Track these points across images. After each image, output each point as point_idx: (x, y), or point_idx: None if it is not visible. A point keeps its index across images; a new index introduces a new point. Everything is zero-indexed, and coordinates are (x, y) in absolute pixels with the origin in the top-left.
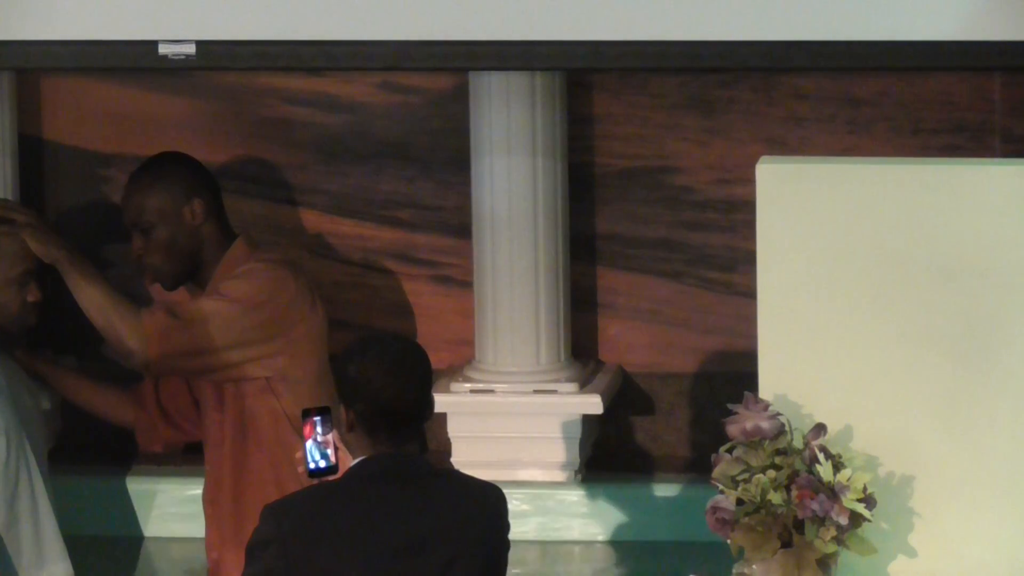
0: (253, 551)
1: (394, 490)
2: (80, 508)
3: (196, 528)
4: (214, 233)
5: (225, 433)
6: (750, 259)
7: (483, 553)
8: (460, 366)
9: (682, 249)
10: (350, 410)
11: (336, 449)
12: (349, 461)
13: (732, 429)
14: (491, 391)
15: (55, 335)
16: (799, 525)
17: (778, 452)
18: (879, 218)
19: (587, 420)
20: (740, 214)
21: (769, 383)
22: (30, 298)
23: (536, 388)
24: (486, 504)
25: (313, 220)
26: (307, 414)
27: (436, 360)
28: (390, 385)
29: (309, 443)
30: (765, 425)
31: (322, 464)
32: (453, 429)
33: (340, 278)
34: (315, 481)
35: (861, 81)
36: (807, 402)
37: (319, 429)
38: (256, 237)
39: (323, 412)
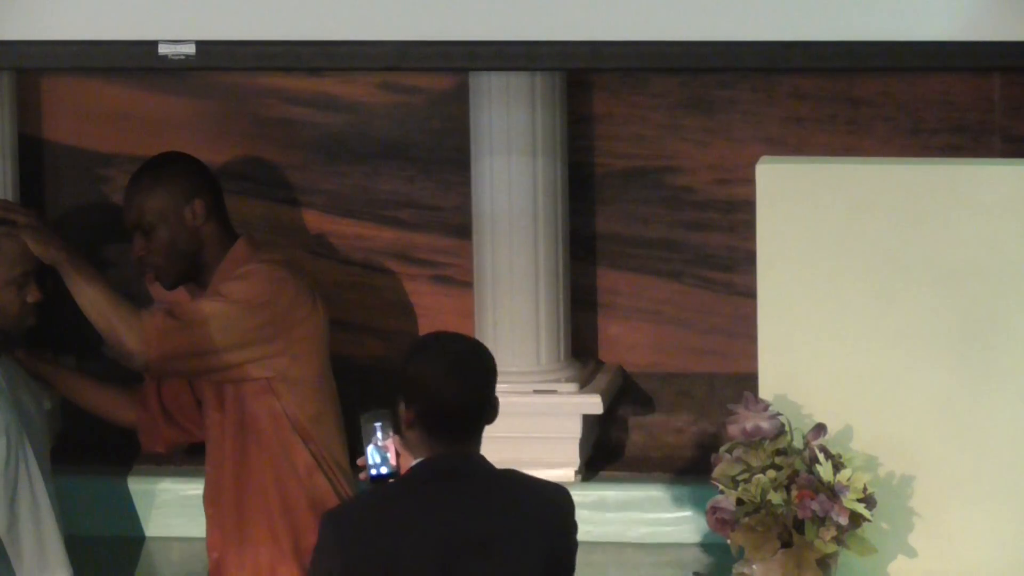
0: (314, 558)
1: (455, 490)
2: (81, 508)
3: (197, 528)
4: (215, 234)
5: (225, 433)
6: (750, 259)
7: (547, 554)
8: None
9: (682, 249)
10: (409, 408)
11: (398, 454)
12: (410, 464)
13: (732, 429)
14: None
15: (56, 335)
16: (799, 525)
17: (778, 452)
18: (879, 218)
19: (587, 420)
20: (740, 214)
21: (769, 383)
22: (30, 299)
23: (536, 388)
24: (551, 504)
25: (313, 220)
26: (367, 420)
27: None
28: (448, 386)
29: (370, 448)
30: (765, 425)
31: (383, 470)
32: None
33: (340, 278)
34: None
35: (861, 81)
36: (807, 402)
37: (379, 435)
38: (257, 237)
39: (382, 417)
